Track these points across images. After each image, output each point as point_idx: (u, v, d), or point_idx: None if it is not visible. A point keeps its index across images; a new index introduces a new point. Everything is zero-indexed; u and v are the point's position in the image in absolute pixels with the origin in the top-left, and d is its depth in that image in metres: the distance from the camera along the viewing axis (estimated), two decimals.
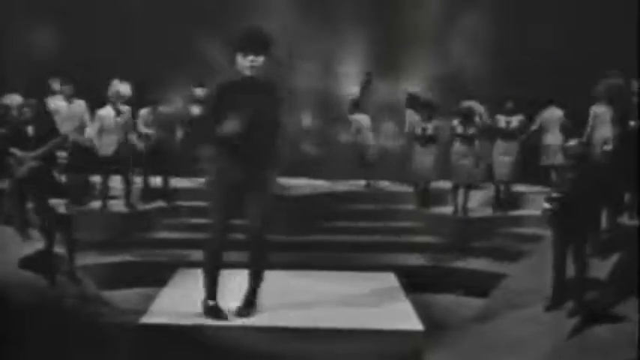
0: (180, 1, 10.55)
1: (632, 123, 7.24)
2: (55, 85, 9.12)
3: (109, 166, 8.50)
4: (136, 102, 8.81)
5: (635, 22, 9.30)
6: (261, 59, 4.66)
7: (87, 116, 9.05)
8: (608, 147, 7.40)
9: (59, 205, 6.52)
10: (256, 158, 4.77)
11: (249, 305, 4.99)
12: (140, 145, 8.79)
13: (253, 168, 4.78)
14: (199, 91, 9.05)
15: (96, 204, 8.63)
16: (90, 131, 8.71)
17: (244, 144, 4.64)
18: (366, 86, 9.78)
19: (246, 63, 4.65)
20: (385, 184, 9.82)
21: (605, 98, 7.75)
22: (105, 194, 8.55)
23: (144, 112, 8.82)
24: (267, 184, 4.94)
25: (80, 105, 9.09)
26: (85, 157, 8.61)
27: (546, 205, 5.96)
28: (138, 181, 8.92)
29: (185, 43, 10.55)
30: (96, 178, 8.81)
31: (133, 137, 8.74)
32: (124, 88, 8.52)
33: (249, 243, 5.04)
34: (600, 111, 7.95)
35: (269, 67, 4.78)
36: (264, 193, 4.90)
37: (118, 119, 8.51)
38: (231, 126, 4.59)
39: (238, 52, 4.67)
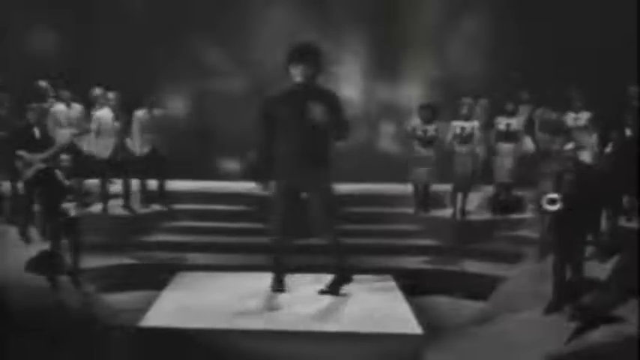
0: (177, 5, 10.54)
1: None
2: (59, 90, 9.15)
3: (106, 169, 8.50)
4: (132, 105, 8.82)
5: (635, 23, 9.35)
6: (309, 69, 5.30)
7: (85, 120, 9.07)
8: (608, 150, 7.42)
9: (69, 208, 6.54)
10: (312, 159, 5.33)
11: (345, 280, 5.62)
12: (137, 147, 8.77)
13: (310, 168, 5.33)
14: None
15: (95, 207, 8.64)
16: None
17: (300, 146, 5.27)
18: None
19: (296, 71, 5.29)
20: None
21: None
22: (105, 197, 8.54)
23: (140, 114, 8.80)
24: (326, 180, 5.46)
25: (78, 109, 9.10)
26: (84, 161, 8.63)
27: (547, 207, 5.97)
28: (136, 184, 8.90)
29: (182, 46, 10.58)
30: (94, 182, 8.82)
31: (130, 140, 8.74)
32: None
33: (319, 235, 5.60)
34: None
35: (317, 76, 5.38)
36: (323, 189, 5.43)
37: (116, 122, 8.51)
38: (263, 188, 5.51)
39: (290, 63, 5.33)
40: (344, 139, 5.53)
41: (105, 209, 8.52)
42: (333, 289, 5.56)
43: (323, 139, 5.38)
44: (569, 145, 6.27)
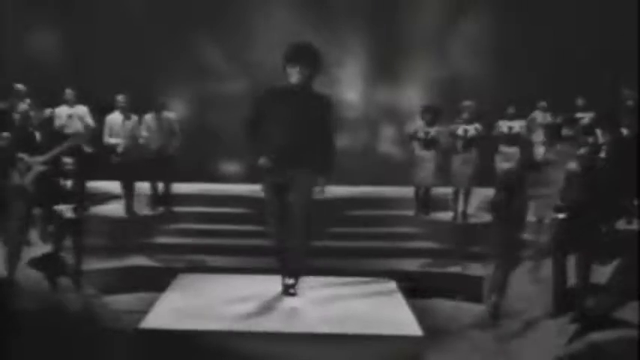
0: (181, 7, 10.57)
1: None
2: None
3: (115, 171, 8.55)
4: (140, 107, 8.84)
5: (635, 24, 9.36)
6: (306, 69, 5.11)
7: (89, 121, 9.09)
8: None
9: (66, 210, 6.56)
10: (299, 160, 5.13)
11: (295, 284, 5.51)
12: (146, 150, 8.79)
13: (296, 170, 5.14)
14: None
15: (96, 209, 8.65)
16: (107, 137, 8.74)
17: (287, 147, 5.10)
18: None
19: (292, 72, 5.11)
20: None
21: None
22: (130, 198, 8.62)
23: (148, 117, 8.83)
24: (309, 182, 5.22)
25: (82, 110, 9.12)
26: (89, 163, 8.66)
27: (558, 215, 5.95)
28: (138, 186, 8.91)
29: (187, 49, 10.60)
30: (99, 184, 8.85)
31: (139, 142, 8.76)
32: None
33: (293, 236, 5.36)
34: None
35: (314, 77, 5.20)
36: (305, 190, 5.21)
37: (126, 125, 8.55)
38: (262, 162, 5.14)
39: (287, 62, 5.13)
40: (327, 169, 5.26)
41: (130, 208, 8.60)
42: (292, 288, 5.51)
43: (312, 141, 5.18)
44: (582, 150, 6.20)
